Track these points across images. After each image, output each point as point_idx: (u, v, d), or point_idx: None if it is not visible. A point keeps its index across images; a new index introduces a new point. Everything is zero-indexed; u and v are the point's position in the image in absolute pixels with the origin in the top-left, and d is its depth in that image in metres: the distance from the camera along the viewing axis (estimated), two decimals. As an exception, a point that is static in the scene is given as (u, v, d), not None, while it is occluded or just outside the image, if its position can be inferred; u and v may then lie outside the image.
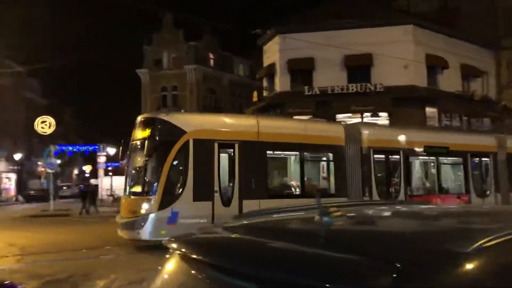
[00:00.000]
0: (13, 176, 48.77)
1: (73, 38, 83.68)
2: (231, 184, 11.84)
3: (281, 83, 27.68)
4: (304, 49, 25.05)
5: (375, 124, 20.23)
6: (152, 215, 10.99)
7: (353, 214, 2.34)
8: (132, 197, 12.01)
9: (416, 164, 15.72)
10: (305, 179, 13.32)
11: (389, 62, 24.35)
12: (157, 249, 2.99)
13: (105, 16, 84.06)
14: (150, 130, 11.80)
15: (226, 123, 12.55)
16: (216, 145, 11.57)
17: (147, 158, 11.56)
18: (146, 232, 10.96)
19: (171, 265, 1.82)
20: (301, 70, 26.75)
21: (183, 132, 11.35)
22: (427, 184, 15.98)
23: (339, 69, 26.17)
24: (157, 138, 11.65)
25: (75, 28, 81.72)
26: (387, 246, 1.49)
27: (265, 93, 30.22)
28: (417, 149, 14.85)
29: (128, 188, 12.30)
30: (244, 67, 49.42)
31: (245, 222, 2.28)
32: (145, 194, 11.42)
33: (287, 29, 27.02)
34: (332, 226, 1.82)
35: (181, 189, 11.22)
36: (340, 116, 23.96)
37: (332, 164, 13.69)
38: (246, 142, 11.99)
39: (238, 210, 11.29)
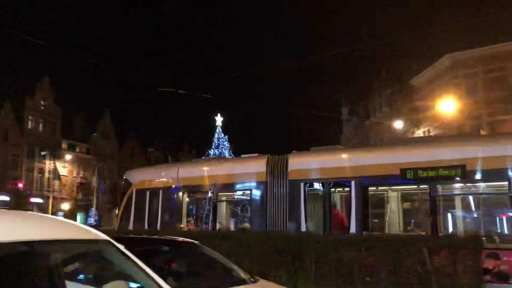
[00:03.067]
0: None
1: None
2: (156, 227, 13.32)
3: None
4: None
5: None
6: None
7: None
8: None
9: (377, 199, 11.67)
10: (220, 219, 13.27)
11: None
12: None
13: None
14: None
15: (157, 172, 14.57)
16: (147, 193, 13.86)
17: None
18: None
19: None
20: None
21: (131, 185, 14.36)
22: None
23: None
24: (123, 191, 15.09)
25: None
26: None
27: None
28: (377, 175, 10.31)
29: None
30: None
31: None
32: None
33: None
34: None
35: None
36: None
37: (251, 203, 12.26)
38: (168, 188, 13.38)
39: None
